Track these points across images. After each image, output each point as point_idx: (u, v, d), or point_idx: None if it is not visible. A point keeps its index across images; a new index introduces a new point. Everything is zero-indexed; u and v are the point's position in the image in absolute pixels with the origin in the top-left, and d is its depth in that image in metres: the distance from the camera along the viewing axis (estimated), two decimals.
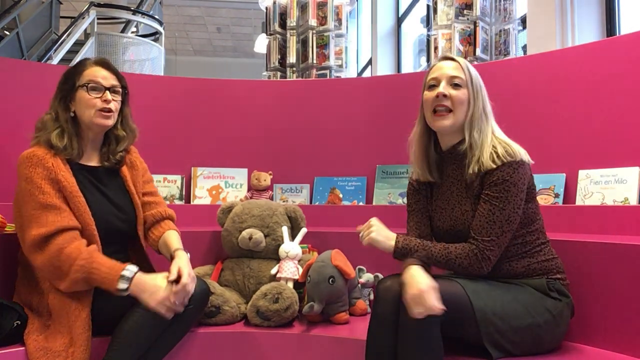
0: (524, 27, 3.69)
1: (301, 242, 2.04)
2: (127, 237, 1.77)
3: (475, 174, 1.47)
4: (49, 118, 1.67)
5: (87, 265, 1.49)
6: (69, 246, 1.51)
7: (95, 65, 1.70)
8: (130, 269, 1.50)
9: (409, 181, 1.70)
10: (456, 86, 1.51)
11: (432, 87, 1.54)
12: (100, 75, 1.68)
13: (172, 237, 1.75)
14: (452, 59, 1.54)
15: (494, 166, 1.43)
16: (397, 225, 2.39)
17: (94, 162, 1.74)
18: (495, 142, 1.48)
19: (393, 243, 1.49)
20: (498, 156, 1.44)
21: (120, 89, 1.72)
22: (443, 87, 1.51)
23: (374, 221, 1.56)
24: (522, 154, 1.46)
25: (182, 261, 1.59)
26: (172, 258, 1.65)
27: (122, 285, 1.47)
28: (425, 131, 1.59)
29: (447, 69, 1.53)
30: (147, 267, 1.82)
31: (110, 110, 1.67)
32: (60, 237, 1.51)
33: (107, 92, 1.67)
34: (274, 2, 4.82)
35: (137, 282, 1.49)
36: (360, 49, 7.99)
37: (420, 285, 1.29)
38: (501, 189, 1.42)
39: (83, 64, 1.71)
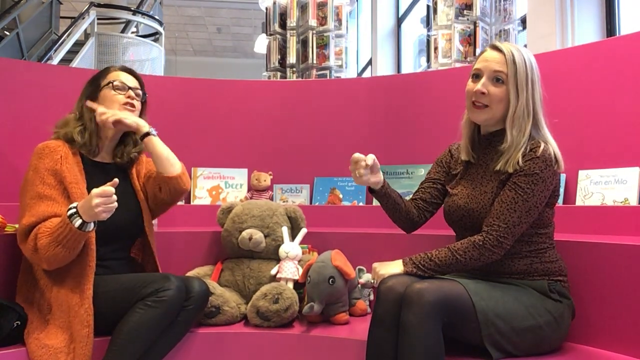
0: (524, 28, 3.69)
1: (301, 243, 2.03)
2: (131, 235, 1.80)
3: (504, 170, 1.49)
4: (72, 117, 1.76)
5: (47, 238, 1.49)
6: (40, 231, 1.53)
7: (120, 70, 1.82)
8: (71, 207, 1.49)
9: (444, 153, 1.74)
10: (497, 81, 1.49)
11: (475, 77, 1.53)
12: (124, 78, 1.79)
13: None
14: (500, 50, 1.51)
15: (527, 159, 1.45)
16: (396, 225, 2.39)
17: (107, 159, 1.81)
18: (534, 141, 1.47)
19: (402, 267, 1.49)
20: (534, 150, 1.45)
21: (141, 93, 1.83)
22: (482, 84, 1.50)
23: (375, 264, 1.56)
24: (559, 160, 1.48)
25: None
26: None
27: (77, 222, 1.46)
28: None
29: (492, 61, 1.50)
30: (152, 265, 1.83)
31: (133, 106, 1.77)
32: (41, 225, 1.53)
33: (130, 90, 1.78)
34: (274, 3, 4.82)
35: (82, 209, 1.47)
36: (360, 49, 7.99)
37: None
38: (530, 181, 1.43)
39: (107, 69, 1.83)
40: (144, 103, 1.86)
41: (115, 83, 1.76)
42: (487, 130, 1.58)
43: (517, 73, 1.48)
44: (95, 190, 1.44)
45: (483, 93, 1.49)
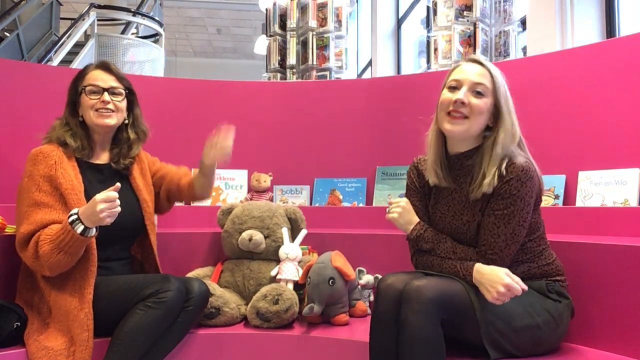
0: (524, 29, 3.69)
1: (301, 244, 2.03)
2: (131, 235, 1.80)
3: (481, 196, 1.43)
4: (58, 123, 1.73)
5: (49, 245, 1.48)
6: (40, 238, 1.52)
7: (96, 68, 1.75)
8: (72, 213, 1.48)
9: (410, 172, 1.64)
10: (478, 94, 1.42)
11: (452, 88, 1.45)
12: (100, 78, 1.72)
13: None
14: (480, 64, 1.45)
15: (502, 181, 1.39)
16: (397, 228, 2.39)
17: (103, 160, 1.78)
18: (509, 158, 1.41)
19: (410, 229, 1.52)
20: (507, 171, 1.39)
21: (122, 90, 1.75)
22: (463, 94, 1.42)
23: (403, 203, 1.56)
24: (534, 167, 1.43)
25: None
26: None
27: (79, 228, 1.46)
28: (440, 133, 1.51)
29: (472, 73, 1.43)
30: (152, 264, 1.83)
31: (108, 110, 1.70)
32: (41, 232, 1.52)
33: (105, 93, 1.71)
34: (274, 4, 4.83)
35: (84, 215, 1.46)
36: (360, 50, 7.99)
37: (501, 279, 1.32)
38: (507, 203, 1.39)
39: (85, 68, 1.77)
40: (131, 98, 1.79)
41: (88, 88, 1.69)
42: (457, 150, 1.50)
43: (498, 87, 1.44)
44: (99, 196, 1.44)
45: (463, 103, 1.42)
